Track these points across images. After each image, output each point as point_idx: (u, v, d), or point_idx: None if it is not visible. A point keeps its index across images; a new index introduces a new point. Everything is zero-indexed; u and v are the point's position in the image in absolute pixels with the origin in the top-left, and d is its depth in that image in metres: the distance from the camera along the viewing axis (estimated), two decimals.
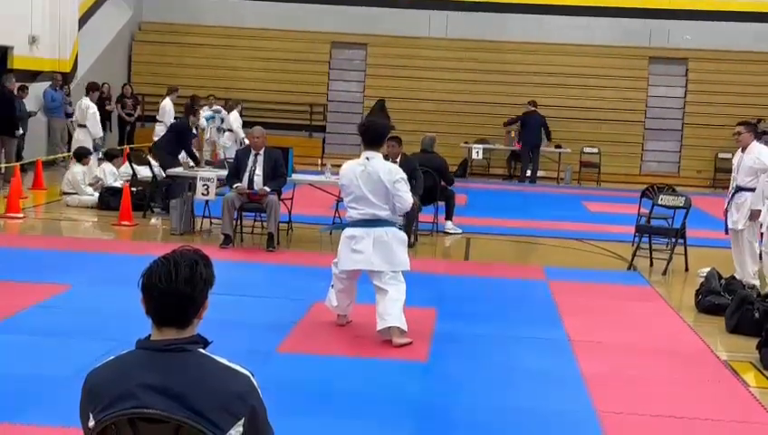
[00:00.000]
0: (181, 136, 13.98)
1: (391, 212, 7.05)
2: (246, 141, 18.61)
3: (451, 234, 12.88)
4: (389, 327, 6.91)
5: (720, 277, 8.98)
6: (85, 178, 13.86)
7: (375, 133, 7.16)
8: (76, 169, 13.93)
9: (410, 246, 11.65)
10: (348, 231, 7.11)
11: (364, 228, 6.99)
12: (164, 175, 13.05)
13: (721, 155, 21.83)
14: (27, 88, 17.76)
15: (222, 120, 19.79)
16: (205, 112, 20.07)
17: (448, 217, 12.97)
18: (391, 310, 6.90)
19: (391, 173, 6.99)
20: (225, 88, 22.18)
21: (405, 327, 6.92)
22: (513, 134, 21.88)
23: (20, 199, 12.62)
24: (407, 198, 7.03)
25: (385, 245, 6.97)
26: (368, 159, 7.03)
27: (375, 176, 6.95)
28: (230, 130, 19.71)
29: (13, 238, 11.27)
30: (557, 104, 22.56)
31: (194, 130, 18.09)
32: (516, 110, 21.58)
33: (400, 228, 7.27)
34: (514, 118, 21.58)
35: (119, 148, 17.87)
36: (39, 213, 13.50)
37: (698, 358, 7.19)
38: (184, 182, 12.00)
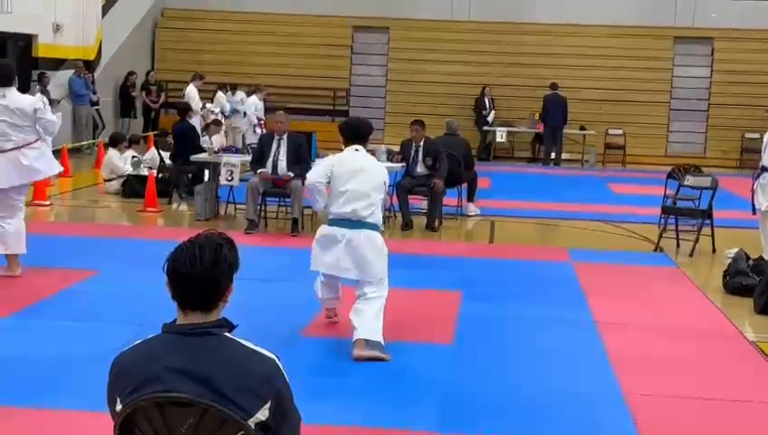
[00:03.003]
0: (186, 139, 13.19)
1: (375, 212, 6.46)
2: (257, 127, 18.60)
3: (471, 216, 12.86)
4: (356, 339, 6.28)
5: (748, 258, 8.90)
6: (121, 162, 13.93)
7: (357, 126, 6.80)
8: (113, 154, 14.01)
9: (435, 229, 11.71)
10: (321, 229, 6.63)
11: (339, 229, 6.45)
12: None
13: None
14: (46, 75, 17.85)
15: (233, 110, 19.63)
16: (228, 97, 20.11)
17: (470, 199, 12.94)
18: (361, 321, 6.29)
19: (384, 173, 6.65)
20: (249, 74, 22.19)
21: (375, 338, 6.25)
22: (536, 116, 21.80)
23: (47, 187, 12.70)
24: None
25: (357, 249, 6.38)
26: (357, 150, 6.63)
27: (371, 168, 6.57)
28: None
29: (40, 225, 11.35)
30: (581, 86, 22.40)
31: (218, 116, 18.13)
32: (540, 92, 21.47)
33: (382, 233, 6.64)
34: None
35: (142, 134, 17.94)
36: (65, 200, 13.59)
37: (726, 339, 7.14)
38: (208, 168, 12.04)
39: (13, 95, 7.95)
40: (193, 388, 2.67)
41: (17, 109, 7.88)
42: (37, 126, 7.96)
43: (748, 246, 9.48)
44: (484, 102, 21.87)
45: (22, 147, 7.92)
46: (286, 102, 20.36)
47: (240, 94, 20.17)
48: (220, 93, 19.99)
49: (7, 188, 7.97)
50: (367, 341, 6.24)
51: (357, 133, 6.71)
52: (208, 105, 18.29)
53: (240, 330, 2.85)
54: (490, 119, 21.77)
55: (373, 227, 6.48)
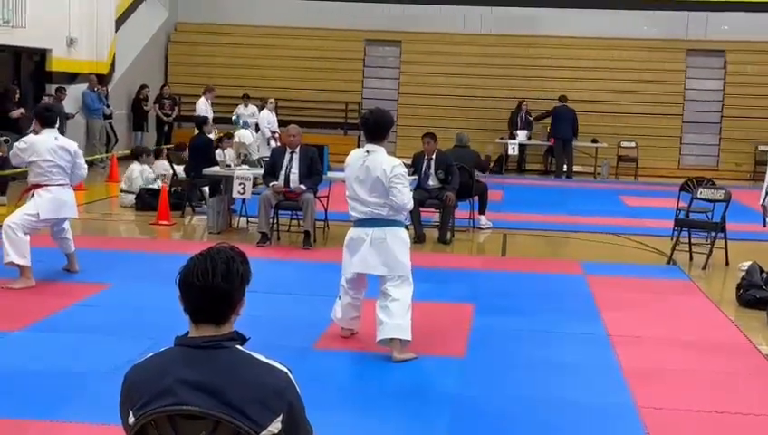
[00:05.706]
0: (203, 152, 13.25)
1: (391, 210, 6.46)
2: (272, 141, 18.63)
3: (483, 228, 12.84)
4: (391, 339, 6.45)
5: (762, 271, 8.87)
6: (142, 176, 13.97)
7: (375, 125, 6.53)
8: (136, 167, 14.07)
9: (447, 242, 11.70)
10: (348, 233, 6.67)
11: (363, 229, 6.53)
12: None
13: (761, 147, 21.54)
14: (65, 90, 17.99)
15: (245, 123, 19.62)
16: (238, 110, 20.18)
17: (481, 212, 12.93)
18: (390, 318, 6.39)
19: (392, 168, 6.39)
20: (261, 87, 22.26)
21: (407, 336, 6.40)
22: (548, 129, 21.78)
23: None
24: (404, 193, 6.38)
25: (383, 246, 6.45)
26: (368, 152, 6.50)
27: (373, 171, 6.40)
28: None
29: None
30: (594, 98, 22.40)
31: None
32: (552, 105, 21.46)
33: (407, 228, 6.75)
34: (545, 112, 21.55)
35: (155, 148, 17.98)
36: (78, 213, 13.60)
37: (740, 352, 7.10)
38: (220, 181, 12.08)
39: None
40: (205, 401, 2.68)
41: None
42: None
43: (762, 258, 9.44)
44: (518, 118, 21.76)
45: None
46: (298, 115, 20.41)
47: (252, 108, 20.25)
48: (240, 106, 20.11)
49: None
50: (400, 340, 6.38)
51: (366, 130, 6.60)
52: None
53: (252, 343, 2.85)
54: (520, 135, 21.52)
55: (396, 223, 6.53)
